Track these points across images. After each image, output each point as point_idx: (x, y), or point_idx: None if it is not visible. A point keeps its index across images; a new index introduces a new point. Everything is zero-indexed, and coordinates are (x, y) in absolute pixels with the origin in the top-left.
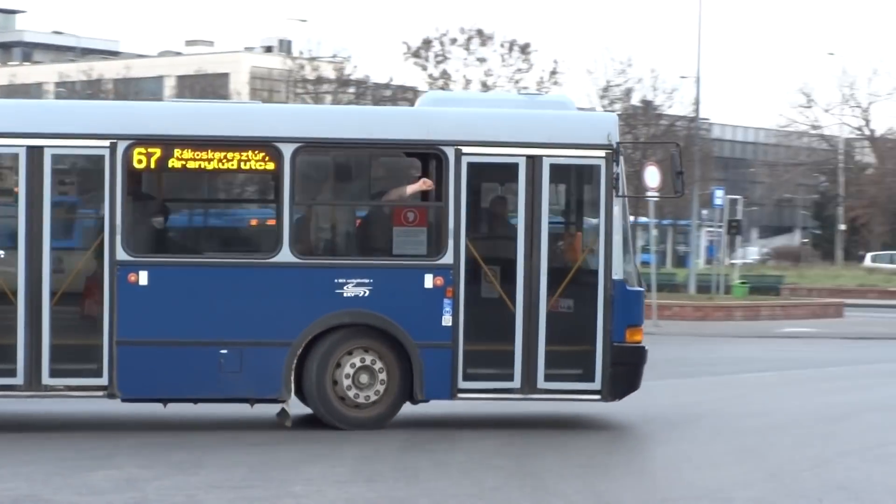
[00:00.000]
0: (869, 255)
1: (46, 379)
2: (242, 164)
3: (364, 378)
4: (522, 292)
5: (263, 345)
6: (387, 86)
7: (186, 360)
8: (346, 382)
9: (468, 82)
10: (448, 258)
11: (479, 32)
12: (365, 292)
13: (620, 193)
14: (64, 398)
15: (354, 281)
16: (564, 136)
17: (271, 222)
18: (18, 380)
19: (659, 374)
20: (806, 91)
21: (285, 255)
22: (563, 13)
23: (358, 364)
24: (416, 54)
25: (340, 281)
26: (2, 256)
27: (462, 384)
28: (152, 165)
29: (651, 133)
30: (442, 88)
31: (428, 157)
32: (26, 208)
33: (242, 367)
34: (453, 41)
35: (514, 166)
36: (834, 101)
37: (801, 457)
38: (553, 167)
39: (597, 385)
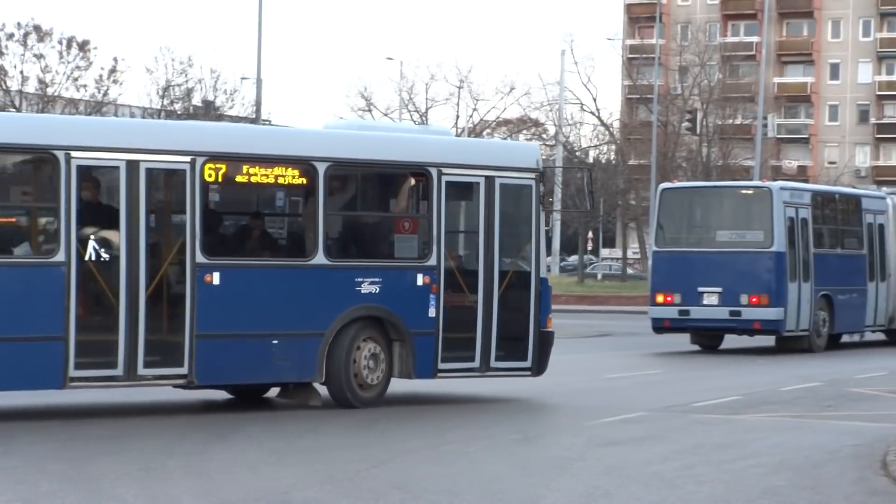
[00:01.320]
0: None
1: (141, 370)
2: (286, 179)
3: (373, 363)
4: (483, 288)
5: (303, 335)
6: None
7: (248, 351)
8: (363, 364)
9: (25, 79)
10: (433, 261)
11: (37, 28)
12: (376, 289)
13: (544, 208)
14: (151, 387)
15: (369, 280)
16: (510, 161)
17: (309, 230)
18: (119, 371)
19: None
20: (366, 95)
21: (320, 258)
22: (123, 11)
23: (371, 350)
24: None
25: (359, 280)
26: (106, 260)
27: (441, 365)
28: (220, 179)
29: None
30: None
31: (417, 175)
32: (126, 216)
33: (288, 355)
34: (10, 36)
35: (476, 185)
36: (393, 105)
37: (359, 457)
38: (502, 185)
39: (528, 363)
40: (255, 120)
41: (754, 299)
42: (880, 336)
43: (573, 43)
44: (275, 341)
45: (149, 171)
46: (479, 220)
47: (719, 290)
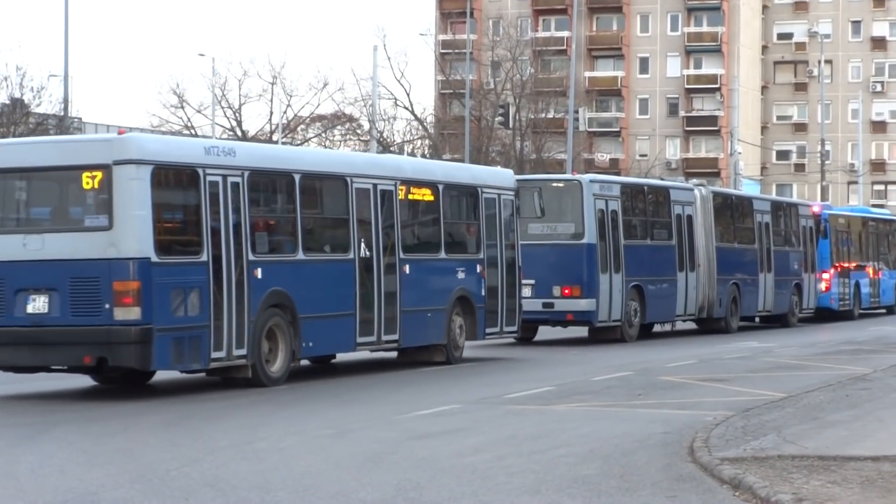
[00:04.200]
0: None
1: (382, 337)
2: (426, 196)
3: (459, 330)
4: (500, 273)
5: (439, 310)
6: None
7: (421, 321)
8: (457, 332)
9: None
10: (481, 254)
11: None
12: (463, 275)
13: (520, 215)
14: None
15: (461, 269)
16: (505, 183)
17: (436, 233)
18: (373, 338)
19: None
20: (178, 91)
21: (443, 254)
22: None
23: (459, 322)
24: None
25: (458, 269)
26: (366, 257)
27: (487, 331)
28: (405, 197)
29: (20, 132)
30: None
31: (473, 192)
32: (374, 223)
33: (435, 324)
34: None
35: (496, 198)
36: (206, 102)
37: (170, 456)
38: (503, 199)
39: (516, 328)
40: (64, 118)
41: (566, 291)
42: (691, 325)
43: (386, 38)
44: (429, 314)
45: (381, 191)
46: (495, 222)
47: (532, 282)
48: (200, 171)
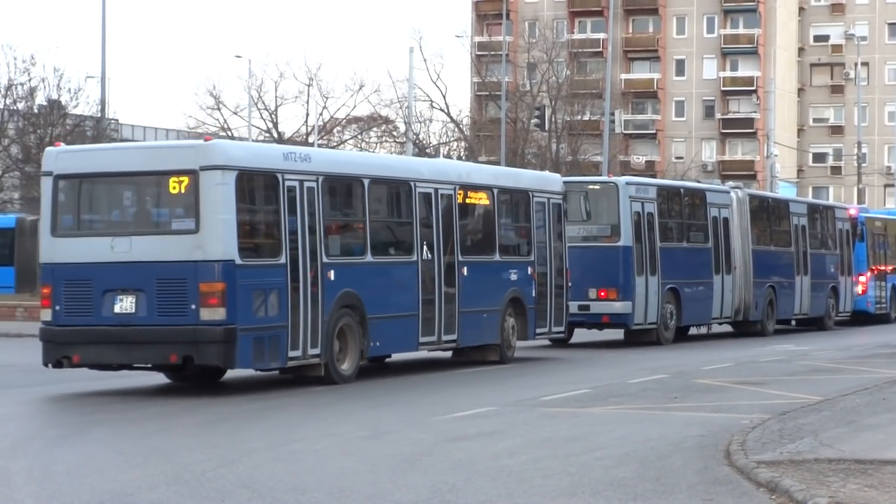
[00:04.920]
0: None
1: (442, 337)
2: (482, 200)
3: (512, 330)
4: (549, 276)
5: (494, 311)
6: None
7: (477, 321)
8: (510, 331)
9: None
10: (532, 256)
11: None
12: (515, 277)
13: (567, 218)
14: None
15: (514, 271)
16: (554, 187)
17: (491, 235)
18: (434, 338)
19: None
20: (214, 93)
21: (496, 256)
22: None
23: (512, 322)
24: None
25: (511, 271)
26: (428, 259)
27: (537, 331)
28: (463, 201)
29: (57, 133)
30: None
31: (525, 196)
32: (436, 226)
33: (490, 324)
34: None
35: (545, 202)
36: (242, 104)
37: (206, 457)
38: (553, 203)
39: (563, 329)
40: (101, 119)
41: (602, 293)
42: (727, 328)
43: (422, 40)
44: (485, 314)
45: (442, 195)
46: (544, 225)
47: (569, 284)
48: (279, 177)
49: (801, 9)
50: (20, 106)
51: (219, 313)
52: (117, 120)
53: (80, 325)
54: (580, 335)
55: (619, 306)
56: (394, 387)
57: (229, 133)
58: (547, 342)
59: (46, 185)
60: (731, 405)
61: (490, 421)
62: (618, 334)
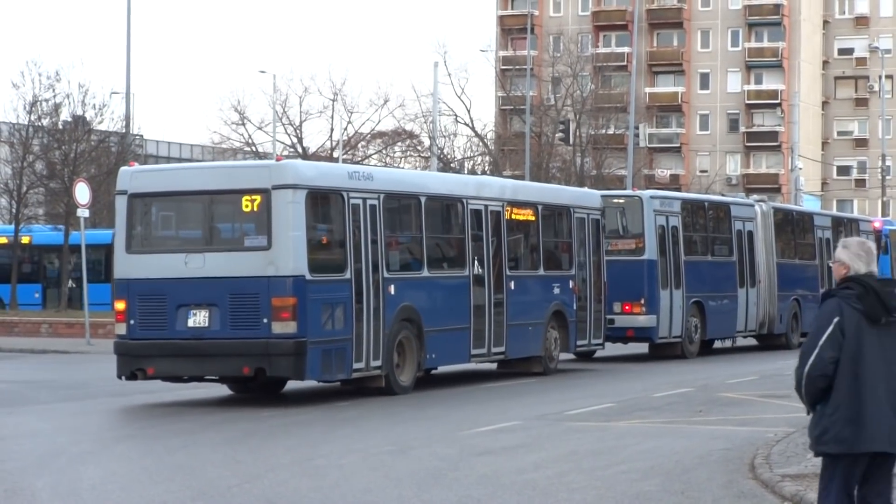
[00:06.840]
0: None
1: (491, 349)
2: (527, 216)
3: (554, 343)
4: (588, 286)
5: (538, 324)
6: None
7: (527, 334)
8: (552, 344)
9: None
10: (573, 271)
11: None
12: (558, 290)
13: (605, 233)
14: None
15: (556, 284)
16: (592, 203)
17: (536, 250)
18: (484, 350)
19: (91, 393)
20: (239, 108)
21: (541, 270)
22: None
23: (554, 335)
24: None
25: (553, 284)
26: (478, 274)
27: (577, 343)
28: (510, 217)
29: (82, 149)
30: None
31: (563, 212)
32: (486, 241)
33: (535, 337)
34: None
35: (584, 218)
36: (267, 119)
37: (231, 473)
38: (592, 219)
39: (601, 341)
40: (126, 135)
41: (627, 307)
42: (752, 341)
43: (446, 54)
44: (530, 327)
45: (491, 211)
46: (584, 239)
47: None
48: (345, 195)
49: (825, 22)
50: (45, 122)
51: (290, 327)
52: (142, 136)
53: (155, 338)
54: (605, 349)
55: (643, 320)
56: (423, 401)
57: (254, 148)
58: (572, 356)
59: (121, 203)
60: (756, 418)
61: (516, 435)
62: (642, 348)
